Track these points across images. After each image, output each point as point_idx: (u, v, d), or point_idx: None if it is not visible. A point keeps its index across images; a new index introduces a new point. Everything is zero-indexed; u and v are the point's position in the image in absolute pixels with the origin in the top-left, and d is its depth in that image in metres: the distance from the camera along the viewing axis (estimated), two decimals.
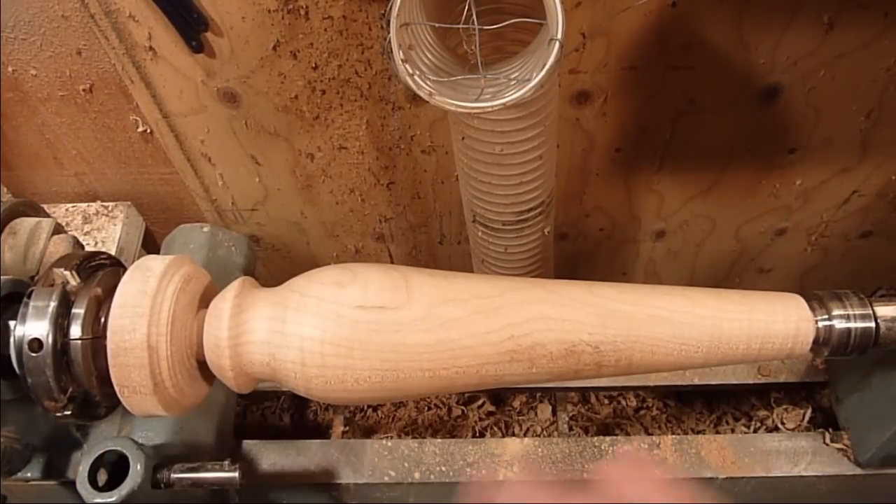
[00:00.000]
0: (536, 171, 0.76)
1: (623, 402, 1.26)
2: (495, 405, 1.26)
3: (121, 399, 0.55)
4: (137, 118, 0.96)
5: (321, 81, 0.87)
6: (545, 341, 0.57)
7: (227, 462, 0.78)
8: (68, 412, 0.57)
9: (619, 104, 0.90)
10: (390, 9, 0.60)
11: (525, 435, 1.22)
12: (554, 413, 1.22)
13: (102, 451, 0.76)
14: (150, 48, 0.83)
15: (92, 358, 0.56)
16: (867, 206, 1.07)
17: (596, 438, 0.99)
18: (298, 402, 1.28)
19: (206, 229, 1.02)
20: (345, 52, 0.83)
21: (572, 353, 0.58)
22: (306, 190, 1.04)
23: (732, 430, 1.19)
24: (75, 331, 0.56)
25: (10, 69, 0.90)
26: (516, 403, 1.26)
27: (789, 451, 0.97)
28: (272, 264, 1.20)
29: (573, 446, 0.99)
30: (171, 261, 0.58)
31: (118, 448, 0.76)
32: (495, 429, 1.23)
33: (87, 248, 0.96)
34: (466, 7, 0.61)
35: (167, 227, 1.09)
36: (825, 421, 1.08)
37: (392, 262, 1.20)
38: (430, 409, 1.24)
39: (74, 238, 0.84)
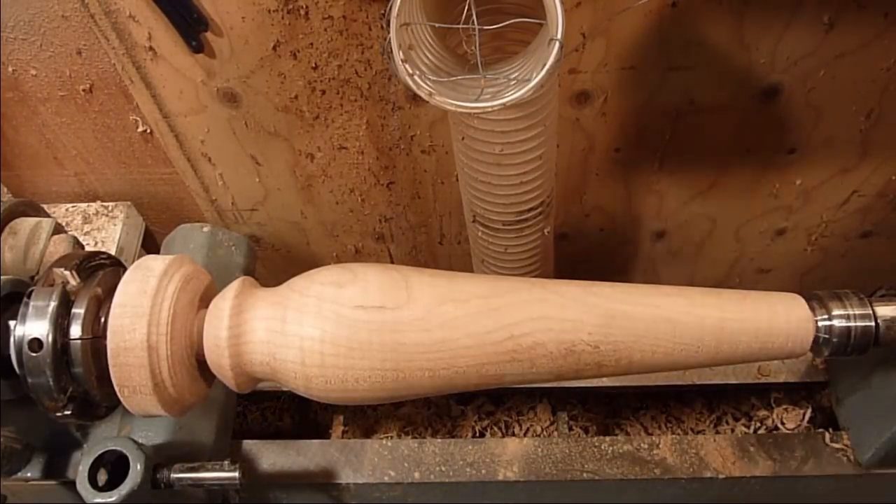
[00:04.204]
0: (536, 171, 0.76)
1: (623, 402, 1.26)
2: (495, 405, 1.26)
3: (121, 399, 0.55)
4: (137, 118, 0.96)
5: (321, 81, 0.87)
6: (545, 341, 0.57)
7: (226, 462, 0.78)
8: (68, 412, 0.57)
9: (618, 104, 0.90)
10: (390, 9, 0.60)
11: (525, 435, 1.22)
12: (554, 413, 1.22)
13: (102, 451, 0.76)
14: (150, 48, 0.83)
15: (92, 358, 0.56)
16: (867, 206, 1.07)
17: (596, 438, 0.99)
18: (298, 402, 1.28)
19: (205, 229, 1.02)
20: (345, 52, 0.83)
21: (572, 353, 0.58)
22: (306, 190, 1.04)
23: (732, 430, 1.19)
24: (75, 331, 0.56)
25: (10, 69, 0.90)
26: (516, 403, 1.26)
27: (789, 452, 0.97)
28: (272, 264, 1.20)
29: (573, 446, 0.99)
30: (170, 261, 0.58)
31: (118, 448, 0.76)
32: (495, 429, 1.23)
33: (87, 248, 0.96)
34: (466, 7, 0.61)
35: (167, 227, 1.09)
36: (825, 421, 1.08)
37: (392, 263, 1.20)
38: (430, 408, 1.24)
39: (74, 238, 0.84)
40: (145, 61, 0.85)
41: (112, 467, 0.76)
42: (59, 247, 0.81)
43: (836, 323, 0.62)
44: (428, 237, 1.15)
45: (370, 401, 0.58)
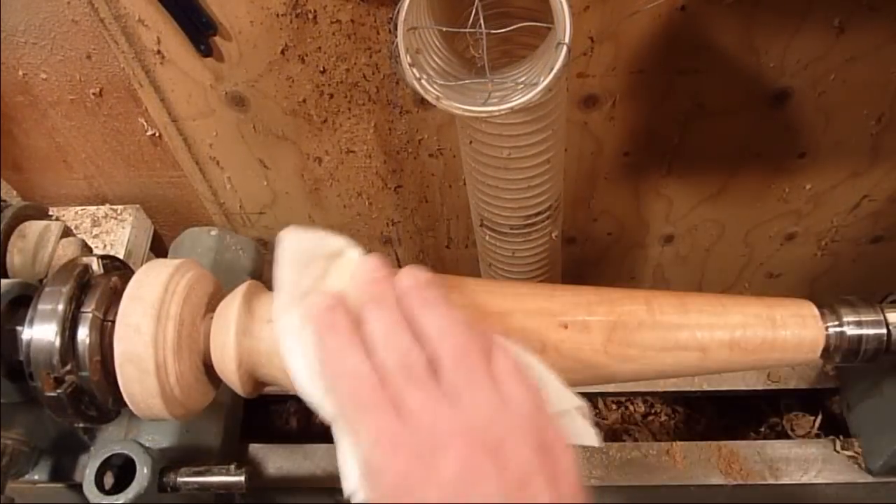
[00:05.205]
0: (544, 175, 0.75)
1: (631, 408, 1.26)
2: None
3: (127, 402, 0.55)
4: (146, 122, 0.96)
5: (329, 85, 0.87)
6: (549, 344, 0.57)
7: (233, 466, 0.78)
8: (73, 414, 0.57)
9: (627, 108, 0.89)
10: (398, 13, 0.60)
11: None
12: None
13: (109, 454, 0.76)
14: (159, 52, 0.84)
15: (97, 360, 0.56)
16: (878, 210, 1.06)
17: (604, 444, 0.99)
18: (305, 406, 1.28)
19: (213, 233, 1.02)
20: (353, 56, 0.83)
21: (577, 357, 0.57)
22: (314, 193, 1.04)
23: (742, 437, 1.18)
24: (81, 333, 0.56)
25: (21, 73, 0.90)
26: None
27: (799, 459, 0.96)
28: None
29: (581, 452, 0.98)
30: (178, 264, 0.58)
31: (125, 451, 0.76)
32: None
33: (96, 252, 0.96)
34: (474, 11, 0.61)
35: (175, 230, 1.10)
36: (836, 428, 1.07)
37: (399, 266, 1.20)
38: None
39: (83, 241, 0.84)
40: (154, 65, 0.86)
41: (119, 470, 0.76)
42: (68, 250, 0.81)
43: (847, 330, 0.61)
44: (435, 241, 1.14)
45: None
